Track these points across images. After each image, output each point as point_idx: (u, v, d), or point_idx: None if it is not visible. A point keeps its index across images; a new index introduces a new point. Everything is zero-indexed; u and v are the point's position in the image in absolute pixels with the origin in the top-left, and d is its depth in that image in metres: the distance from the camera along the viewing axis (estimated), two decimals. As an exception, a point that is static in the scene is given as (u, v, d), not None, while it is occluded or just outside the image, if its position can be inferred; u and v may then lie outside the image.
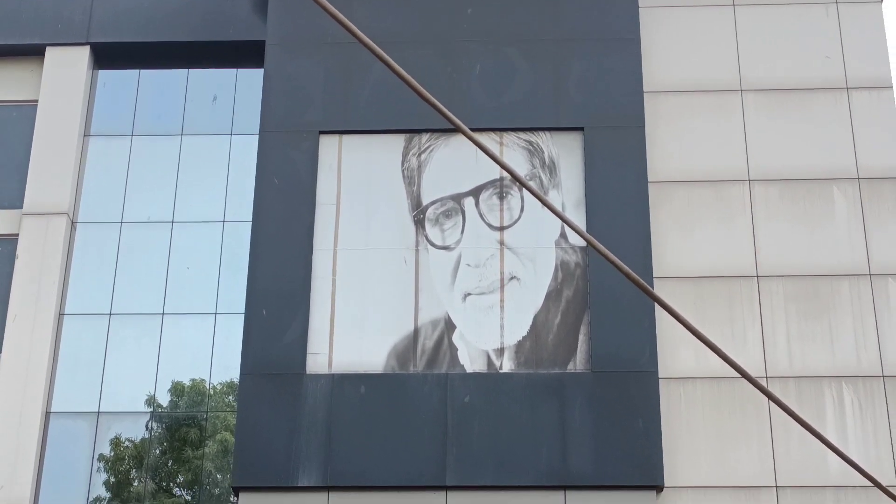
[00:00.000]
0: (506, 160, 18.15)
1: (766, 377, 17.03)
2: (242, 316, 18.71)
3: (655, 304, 17.40)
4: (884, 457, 16.54)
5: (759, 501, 16.64)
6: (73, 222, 21.22)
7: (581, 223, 18.08)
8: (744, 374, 7.64)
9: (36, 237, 20.75)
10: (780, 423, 16.95)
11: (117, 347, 21.22)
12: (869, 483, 16.45)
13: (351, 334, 17.63)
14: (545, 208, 18.06)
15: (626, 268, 6.63)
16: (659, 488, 16.60)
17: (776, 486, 16.71)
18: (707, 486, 16.74)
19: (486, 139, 18.20)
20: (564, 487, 16.63)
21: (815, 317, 17.59)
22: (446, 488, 16.67)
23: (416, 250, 18.04)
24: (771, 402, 17.02)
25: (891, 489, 16.27)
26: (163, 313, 21.15)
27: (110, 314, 21.18)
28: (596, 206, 17.89)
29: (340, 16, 6.22)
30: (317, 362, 17.48)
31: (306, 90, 19.01)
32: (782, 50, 19.14)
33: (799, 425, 16.45)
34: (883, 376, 17.22)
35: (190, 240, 21.48)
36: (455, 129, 18.48)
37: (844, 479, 16.65)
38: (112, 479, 22.26)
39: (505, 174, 18.20)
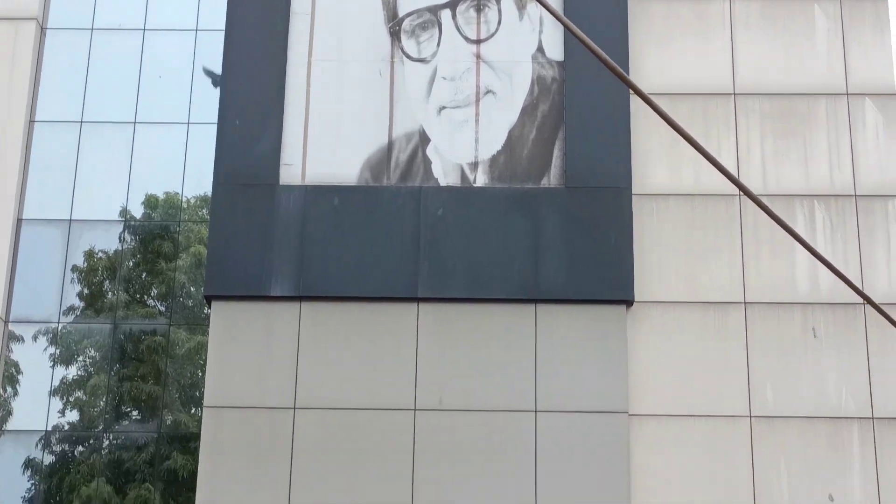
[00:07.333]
0: (484, -29, 17.88)
1: (739, 194, 17.07)
2: (215, 126, 18.56)
3: (630, 120, 17.33)
4: (852, 275, 16.67)
5: (728, 317, 16.83)
6: (42, 28, 20.86)
7: (559, 38, 17.88)
8: (733, 179, 7.61)
9: (4, 43, 20.43)
10: (751, 241, 17.05)
11: (89, 156, 21.10)
12: (835, 300, 16.66)
13: (325, 146, 17.52)
14: (522, 22, 17.87)
15: (600, 52, 6.52)
16: (629, 303, 16.74)
17: (745, 303, 16.87)
18: (677, 302, 16.89)
19: (465, -51, 17.86)
20: (535, 301, 16.74)
21: (791, 135, 17.57)
22: (418, 300, 16.77)
23: (392, 62, 17.84)
24: (742, 220, 17.10)
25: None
26: (135, 122, 21.00)
27: (81, 122, 21.02)
28: (574, 21, 17.63)
29: None
30: (290, 173, 17.39)
31: None
32: None
33: (770, 243, 16.61)
34: (855, 195, 17.27)
35: (162, 48, 21.21)
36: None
37: (813, 296, 16.84)
38: (85, 291, 22.34)
39: (483, -14, 17.93)
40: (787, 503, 16.13)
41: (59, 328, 21.95)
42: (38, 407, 21.56)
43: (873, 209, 17.21)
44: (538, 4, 17.77)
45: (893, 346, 16.53)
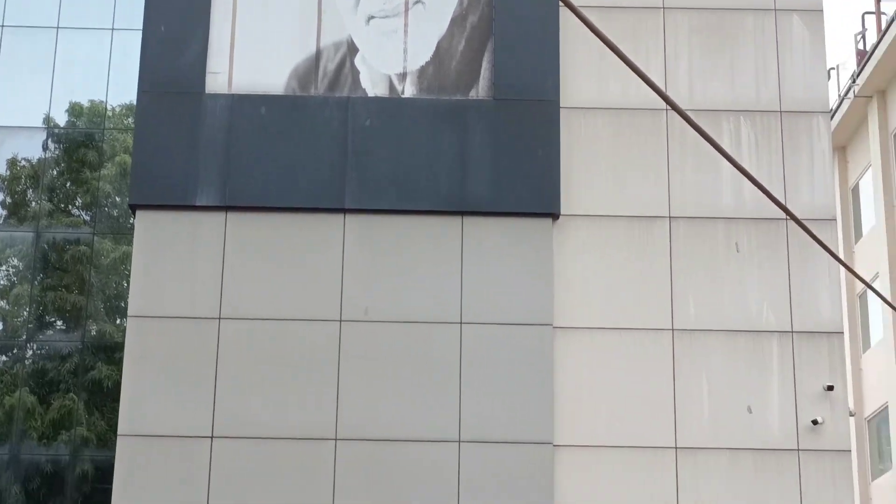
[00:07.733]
0: None
1: (667, 109, 17.11)
2: (140, 32, 18.27)
3: (560, 33, 17.28)
4: (776, 191, 16.79)
5: (653, 231, 16.93)
6: (-39, -71, 20.41)
7: (489, -51, 17.74)
8: (660, 93, 7.61)
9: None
10: (677, 156, 17.13)
11: (10, 61, 20.74)
12: (758, 215, 16.84)
13: (251, 54, 17.32)
14: (453, -69, 17.67)
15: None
16: (555, 216, 16.80)
17: (669, 217, 16.99)
18: (602, 215, 16.96)
19: None
20: (462, 213, 16.75)
21: (718, 50, 17.59)
22: (344, 211, 16.72)
23: (320, -30, 17.61)
24: (668, 134, 17.18)
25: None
26: (57, 27, 20.63)
27: (2, 26, 20.61)
28: (505, -69, 17.50)
29: None
30: (216, 82, 17.19)
31: None
32: None
33: (696, 157, 16.74)
34: (780, 111, 17.37)
35: (85, -49, 20.81)
36: None
37: (737, 211, 16.98)
38: (8, 199, 22.08)
39: None
40: (707, 415, 16.37)
41: (-19, 237, 21.71)
42: (-40, 316, 21.39)
43: (798, 126, 17.33)
44: (468, -86, 17.60)
45: (814, 261, 16.73)
